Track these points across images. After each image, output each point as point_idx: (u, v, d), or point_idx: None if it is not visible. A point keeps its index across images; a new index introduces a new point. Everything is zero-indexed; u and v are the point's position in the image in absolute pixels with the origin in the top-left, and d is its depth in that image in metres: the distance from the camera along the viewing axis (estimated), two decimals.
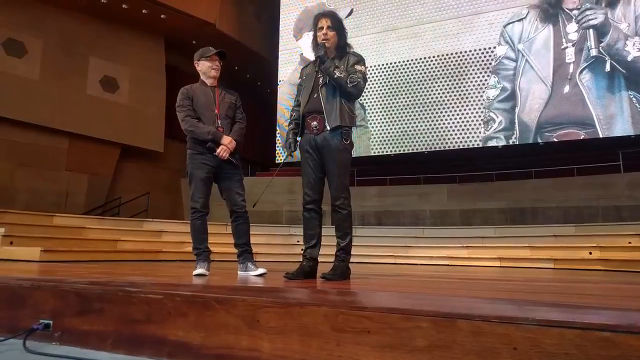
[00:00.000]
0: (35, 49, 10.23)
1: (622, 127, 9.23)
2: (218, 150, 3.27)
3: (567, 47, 9.76)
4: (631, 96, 9.15)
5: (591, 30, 9.63)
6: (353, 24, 11.62)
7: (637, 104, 9.11)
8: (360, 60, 2.94)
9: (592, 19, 9.66)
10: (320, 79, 2.94)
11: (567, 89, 9.63)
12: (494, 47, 10.49)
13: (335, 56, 2.96)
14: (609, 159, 9.45)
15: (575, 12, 9.81)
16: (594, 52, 9.53)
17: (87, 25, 11.06)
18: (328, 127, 2.87)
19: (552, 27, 9.98)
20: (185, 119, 3.32)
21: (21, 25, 10.03)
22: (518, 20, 10.28)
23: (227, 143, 3.29)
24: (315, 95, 2.94)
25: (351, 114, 2.92)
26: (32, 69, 10.17)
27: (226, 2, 12.59)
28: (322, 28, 2.96)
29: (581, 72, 9.54)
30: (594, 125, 9.37)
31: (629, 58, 9.25)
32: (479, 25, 10.71)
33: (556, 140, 9.69)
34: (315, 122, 2.91)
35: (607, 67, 9.37)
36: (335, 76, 2.83)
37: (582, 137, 9.45)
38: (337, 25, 2.97)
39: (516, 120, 10.04)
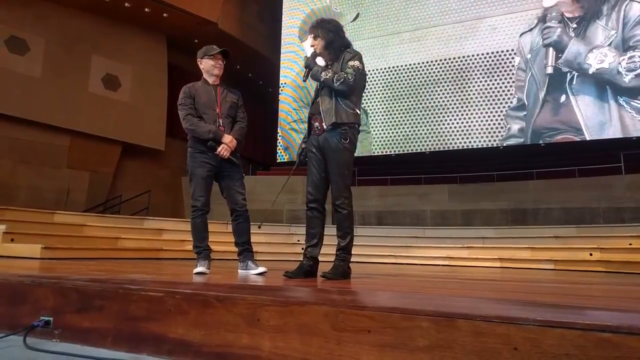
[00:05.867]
0: (37, 47, 10.24)
1: (613, 133, 9.30)
2: (219, 149, 3.27)
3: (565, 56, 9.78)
4: (621, 102, 9.20)
5: (550, 48, 9.68)
6: (357, 28, 11.63)
7: (629, 110, 9.14)
8: (355, 56, 2.97)
9: (548, 37, 9.72)
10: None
11: (562, 98, 9.67)
12: (496, 52, 10.51)
13: (332, 58, 3.02)
14: (610, 160, 9.43)
15: (574, 24, 9.82)
16: (549, 70, 9.60)
17: (90, 23, 11.07)
18: (325, 127, 2.90)
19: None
20: (187, 117, 3.32)
21: (24, 23, 10.04)
22: (529, 31, 10.29)
23: (228, 142, 3.29)
24: (317, 99, 3.02)
25: (349, 111, 2.92)
26: (34, 67, 10.18)
27: (229, 1, 12.59)
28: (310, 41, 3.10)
29: (571, 81, 9.57)
30: (582, 133, 9.48)
31: (590, 71, 9.31)
32: (482, 29, 10.70)
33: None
34: (317, 123, 2.99)
35: (574, 81, 9.45)
36: (322, 79, 2.91)
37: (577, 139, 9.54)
38: (320, 32, 3.04)
39: (524, 127, 10.08)
